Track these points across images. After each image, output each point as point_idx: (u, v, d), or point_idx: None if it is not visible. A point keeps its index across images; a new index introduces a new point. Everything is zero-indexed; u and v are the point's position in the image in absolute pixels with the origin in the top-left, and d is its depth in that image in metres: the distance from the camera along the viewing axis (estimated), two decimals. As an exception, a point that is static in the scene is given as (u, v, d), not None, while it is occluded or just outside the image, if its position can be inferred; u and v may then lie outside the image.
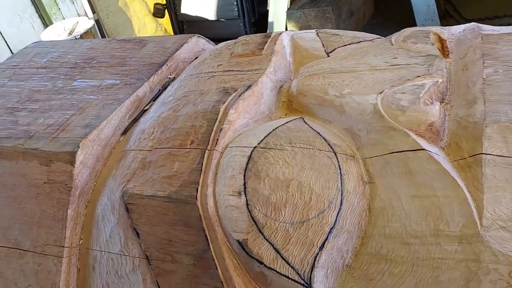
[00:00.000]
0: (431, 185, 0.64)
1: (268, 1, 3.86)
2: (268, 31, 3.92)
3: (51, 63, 1.22)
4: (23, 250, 0.85)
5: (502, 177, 0.61)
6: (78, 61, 1.20)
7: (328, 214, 0.67)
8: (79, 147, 0.85)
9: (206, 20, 4.20)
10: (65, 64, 1.20)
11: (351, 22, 3.74)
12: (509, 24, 3.58)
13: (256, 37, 1.05)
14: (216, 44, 1.32)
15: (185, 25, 4.40)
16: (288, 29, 3.73)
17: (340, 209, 0.68)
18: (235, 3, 4.03)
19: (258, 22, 4.14)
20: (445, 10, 4.08)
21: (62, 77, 1.14)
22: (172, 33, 4.51)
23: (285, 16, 3.72)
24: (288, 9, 3.70)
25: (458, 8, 4.07)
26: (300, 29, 3.66)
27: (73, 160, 0.85)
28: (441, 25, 3.59)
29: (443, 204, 0.62)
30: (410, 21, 3.76)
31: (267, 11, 3.89)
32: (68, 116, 0.95)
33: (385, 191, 0.68)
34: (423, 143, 0.68)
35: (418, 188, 0.65)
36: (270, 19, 3.89)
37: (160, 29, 4.59)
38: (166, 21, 4.49)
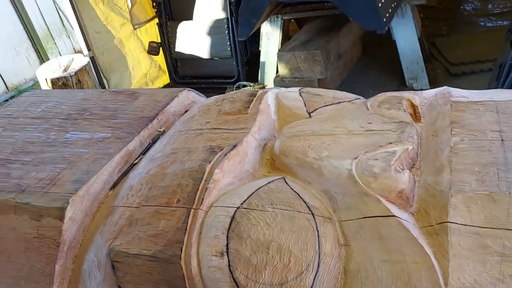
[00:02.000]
0: (400, 251, 0.68)
1: (260, 42, 3.99)
2: (260, 71, 4.03)
3: (46, 113, 1.27)
4: (9, 304, 0.87)
5: (466, 246, 0.65)
6: (71, 112, 1.25)
7: (306, 276, 0.71)
8: (69, 203, 0.89)
9: (200, 58, 4.32)
10: (59, 114, 1.25)
11: (339, 65, 3.86)
12: (490, 69, 3.72)
13: (243, 95, 1.11)
14: (211, 89, 1.38)
15: (179, 63, 4.51)
16: (279, 69, 3.84)
17: (317, 271, 0.71)
18: (228, 42, 4.16)
19: (251, 61, 4.26)
20: (430, 53, 4.25)
21: (56, 128, 1.18)
22: (166, 70, 4.61)
23: (276, 57, 3.84)
24: (279, 50, 3.82)
25: (443, 52, 4.23)
26: (290, 70, 3.77)
27: (62, 216, 0.88)
28: (426, 68, 3.73)
29: (411, 270, 0.66)
30: (396, 64, 3.90)
31: (259, 51, 4.02)
32: (59, 170, 0.99)
33: (359, 255, 0.72)
34: (394, 210, 0.73)
35: (389, 253, 0.69)
36: (262, 59, 4.01)
37: (154, 65, 4.69)
38: (160, 58, 4.60)
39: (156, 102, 1.22)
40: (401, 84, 3.84)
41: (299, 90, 1.12)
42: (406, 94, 0.96)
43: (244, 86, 4.05)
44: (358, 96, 1.10)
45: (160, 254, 0.77)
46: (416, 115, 0.92)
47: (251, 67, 4.28)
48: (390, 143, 0.81)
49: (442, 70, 4.13)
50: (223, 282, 0.73)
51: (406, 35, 3.58)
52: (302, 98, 1.08)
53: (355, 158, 0.80)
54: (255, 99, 1.07)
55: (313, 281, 0.71)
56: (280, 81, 3.73)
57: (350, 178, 0.78)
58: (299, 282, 0.71)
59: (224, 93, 1.44)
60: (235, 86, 4.01)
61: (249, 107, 1.05)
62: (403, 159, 0.79)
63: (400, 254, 0.68)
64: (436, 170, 0.77)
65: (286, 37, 4.22)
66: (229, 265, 0.73)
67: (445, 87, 1.02)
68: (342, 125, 0.91)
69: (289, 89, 1.15)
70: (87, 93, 1.35)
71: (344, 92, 1.13)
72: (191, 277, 0.75)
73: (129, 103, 1.24)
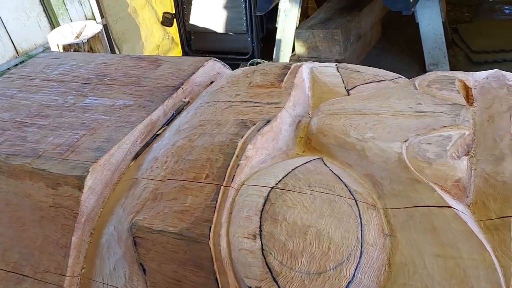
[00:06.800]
0: (456, 246, 0.62)
1: (277, 19, 3.87)
2: (275, 49, 3.92)
3: (63, 76, 1.20)
4: (23, 275, 0.82)
5: (532, 244, 0.59)
6: (90, 76, 1.18)
7: (346, 266, 0.65)
8: (89, 171, 0.83)
9: (214, 32, 4.21)
10: (77, 78, 1.18)
11: (358, 46, 3.75)
12: (514, 58, 3.60)
13: (275, 68, 1.03)
14: (229, 65, 1.31)
15: (193, 36, 4.40)
16: (296, 48, 3.73)
17: (359, 262, 0.65)
18: (244, 17, 4.04)
19: (266, 38, 4.15)
20: (452, 39, 4.12)
21: (74, 92, 1.11)
22: (179, 43, 4.51)
23: (293, 35, 3.73)
24: (296, 28, 3.70)
25: (465, 39, 4.10)
26: (308, 49, 3.66)
27: (81, 185, 0.82)
28: (448, 55, 3.60)
29: (468, 267, 0.60)
30: (416, 48, 3.78)
31: (276, 28, 3.90)
32: (78, 137, 0.92)
33: (407, 247, 0.66)
34: (449, 200, 0.66)
35: (442, 247, 0.63)
36: (278, 37, 3.89)
37: (167, 37, 4.59)
38: (174, 30, 4.49)
39: (180, 71, 1.14)
40: (421, 69, 3.72)
41: (336, 65, 1.05)
42: (459, 74, 0.88)
43: (258, 63, 3.95)
44: (400, 75, 1.03)
45: (187, 232, 0.71)
46: (468, 98, 0.84)
47: (266, 44, 4.17)
48: (444, 126, 0.74)
49: (463, 57, 4.01)
50: (255, 266, 0.67)
51: (430, 18, 3.44)
52: (340, 74, 1.01)
53: (405, 141, 0.73)
54: (289, 72, 0.99)
55: (355, 272, 0.65)
56: (296, 61, 3.63)
57: (399, 162, 0.71)
58: (339, 272, 0.65)
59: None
60: (248, 63, 3.90)
61: (282, 81, 0.97)
62: (459, 145, 0.72)
63: (456, 249, 0.62)
64: (496, 159, 0.70)
65: (304, 16, 4.10)
66: (262, 249, 0.67)
67: (496, 70, 0.94)
68: (387, 104, 0.84)
69: (324, 64, 1.07)
70: (107, 58, 1.27)
71: (384, 70, 1.05)
72: (220, 259, 0.69)
73: (151, 70, 1.17)
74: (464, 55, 4.01)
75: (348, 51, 3.58)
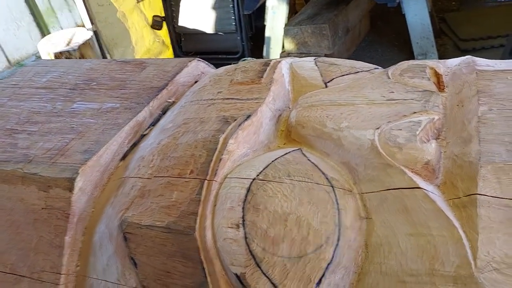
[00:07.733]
0: (426, 224, 0.65)
1: (266, 16, 3.90)
2: (265, 46, 3.95)
3: (51, 83, 1.23)
4: (20, 275, 0.85)
5: (496, 219, 0.62)
6: (78, 82, 1.21)
7: (325, 249, 0.68)
8: (78, 173, 0.86)
9: (204, 33, 4.24)
10: (65, 84, 1.21)
11: (346, 39, 3.78)
12: (501, 45, 3.64)
13: (256, 65, 1.06)
14: (214, 65, 1.34)
15: (183, 38, 4.43)
16: (285, 45, 3.77)
17: (337, 244, 0.69)
18: (232, 17, 4.08)
19: (256, 36, 4.19)
20: (440, 29, 4.16)
21: (62, 98, 1.14)
22: (170, 45, 4.53)
23: (282, 32, 3.76)
24: (285, 25, 3.74)
25: (453, 28, 4.14)
26: (297, 45, 3.69)
27: (71, 187, 0.85)
28: (436, 44, 3.64)
29: (438, 244, 0.64)
30: (405, 39, 3.82)
31: (265, 26, 3.93)
32: (67, 141, 0.96)
33: (382, 228, 0.69)
34: (419, 181, 0.69)
35: (414, 226, 0.66)
36: (267, 34, 3.93)
37: (157, 40, 4.61)
38: (164, 33, 4.52)
39: (165, 72, 1.17)
40: (410, 60, 3.76)
41: (314, 59, 1.08)
42: (430, 62, 0.91)
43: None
44: (376, 66, 1.06)
45: (173, 226, 0.75)
46: (440, 84, 0.87)
47: (256, 42, 4.21)
48: (414, 112, 0.77)
49: (451, 46, 4.05)
50: (239, 254, 0.70)
51: (416, 9, 3.48)
52: (318, 67, 1.04)
53: (377, 128, 0.76)
54: (268, 68, 1.03)
55: (333, 254, 0.68)
56: (286, 57, 3.66)
57: (372, 149, 0.74)
58: (318, 255, 0.68)
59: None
60: (240, 62, 3.93)
61: (262, 77, 1.00)
62: (429, 129, 0.75)
63: (426, 227, 0.65)
64: (464, 141, 0.73)
65: (292, 12, 4.14)
66: (246, 237, 0.71)
67: (468, 56, 0.98)
68: (362, 94, 0.87)
69: (303, 58, 1.11)
70: (94, 63, 1.30)
71: (361, 62, 1.08)
72: (206, 249, 0.72)
73: (137, 73, 1.20)
74: (452, 43, 4.06)
75: (337, 45, 3.61)
